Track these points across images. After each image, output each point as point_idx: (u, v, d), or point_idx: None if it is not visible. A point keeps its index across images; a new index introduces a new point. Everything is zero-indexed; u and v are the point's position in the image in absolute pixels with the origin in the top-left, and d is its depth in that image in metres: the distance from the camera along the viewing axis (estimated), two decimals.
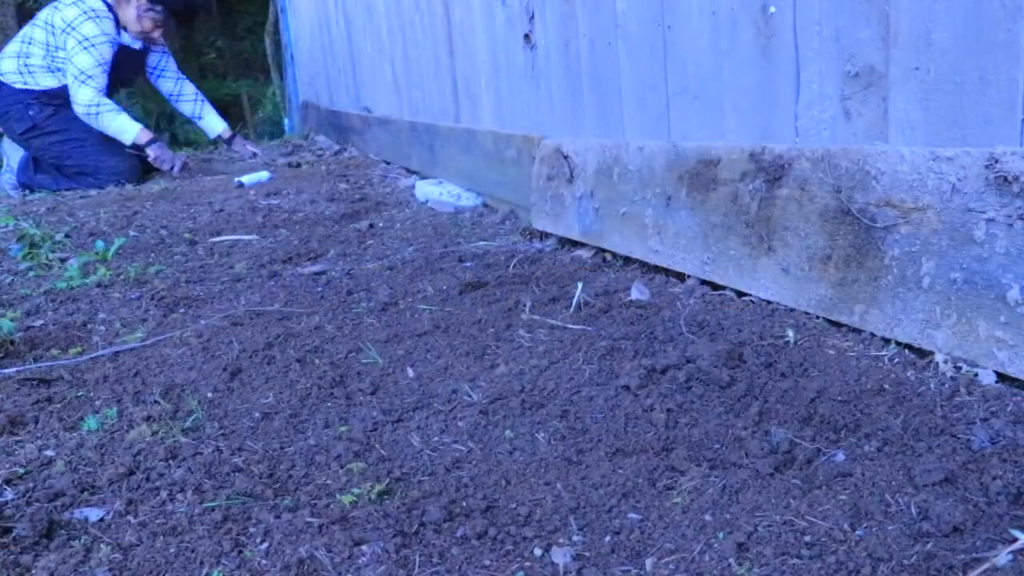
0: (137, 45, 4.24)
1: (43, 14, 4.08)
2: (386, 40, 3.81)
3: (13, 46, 4.08)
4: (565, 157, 2.05)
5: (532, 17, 2.25)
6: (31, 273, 2.28)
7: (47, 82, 4.03)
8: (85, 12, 3.95)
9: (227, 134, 4.59)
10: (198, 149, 6.00)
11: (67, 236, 2.70)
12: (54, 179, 4.05)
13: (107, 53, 4.00)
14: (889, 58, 1.23)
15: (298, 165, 4.23)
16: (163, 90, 4.54)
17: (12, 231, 2.78)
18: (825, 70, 1.34)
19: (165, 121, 7.93)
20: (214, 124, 4.60)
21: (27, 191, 4.05)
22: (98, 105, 3.96)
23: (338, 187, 3.38)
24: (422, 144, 3.27)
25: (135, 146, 4.05)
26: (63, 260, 2.39)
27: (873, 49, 1.25)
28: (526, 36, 2.31)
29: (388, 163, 3.87)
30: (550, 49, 2.19)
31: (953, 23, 1.13)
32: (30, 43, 4.04)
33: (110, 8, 4.05)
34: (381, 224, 2.63)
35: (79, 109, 3.96)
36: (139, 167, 4.11)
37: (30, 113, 4.00)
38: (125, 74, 4.32)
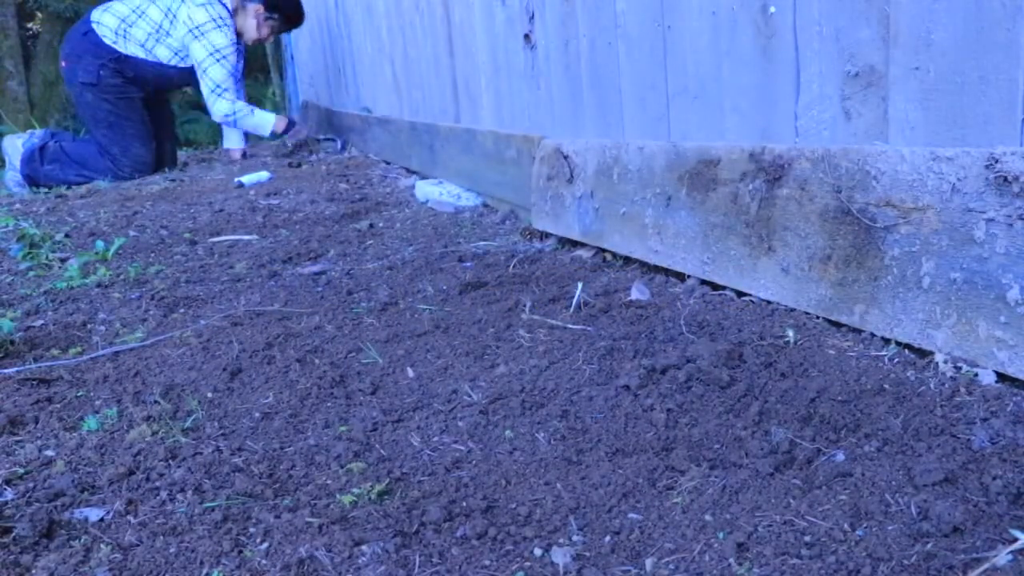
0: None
1: (167, 0, 4.15)
2: (386, 40, 3.81)
3: (123, 8, 4.14)
4: (565, 157, 2.05)
5: (532, 17, 2.25)
6: (31, 273, 2.28)
7: (133, 50, 4.10)
8: (214, 20, 4.09)
9: (237, 153, 4.65)
10: (198, 149, 6.00)
11: (67, 236, 2.70)
12: (62, 168, 4.07)
13: (236, 61, 4.19)
14: (889, 58, 1.23)
15: (298, 165, 4.23)
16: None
17: (12, 231, 2.78)
18: (825, 70, 1.34)
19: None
20: (233, 140, 4.68)
21: (33, 186, 4.06)
22: (235, 113, 4.19)
23: (338, 187, 3.38)
24: (422, 144, 3.27)
25: (274, 134, 4.35)
26: (63, 260, 2.39)
27: (873, 49, 1.25)
28: (526, 36, 2.31)
29: (388, 163, 3.87)
30: (550, 49, 2.19)
31: (953, 23, 1.13)
32: (140, 16, 4.11)
33: (231, 16, 4.20)
34: (381, 224, 2.64)
35: (217, 118, 4.23)
36: (154, 161, 4.28)
37: (100, 73, 4.09)
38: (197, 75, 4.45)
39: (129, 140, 4.15)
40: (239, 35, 4.28)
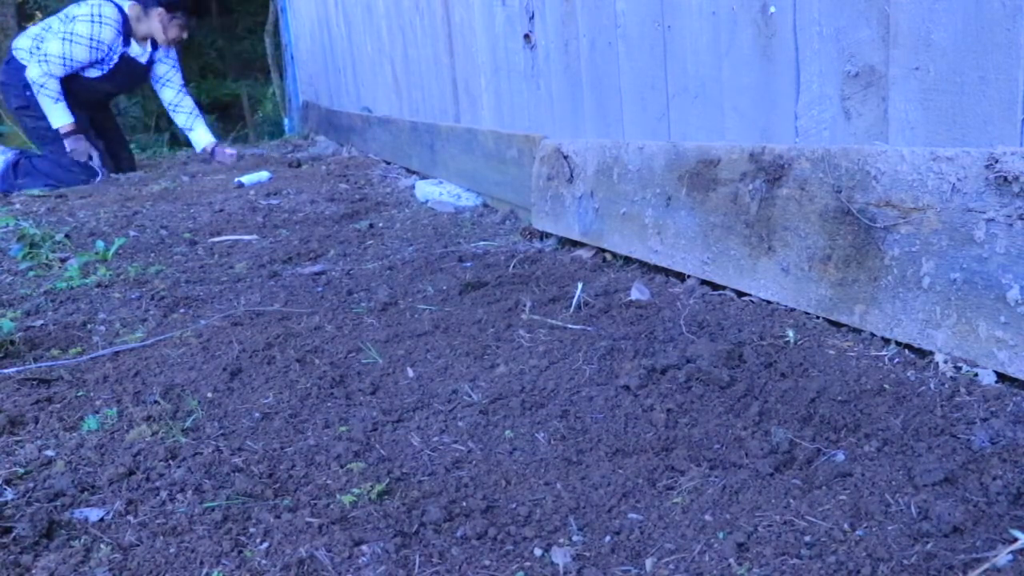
0: (144, 59, 4.43)
1: (70, 8, 4.25)
2: (386, 40, 3.81)
3: (34, 28, 4.27)
4: (565, 157, 2.05)
5: (532, 17, 2.25)
6: (31, 273, 2.28)
7: None
8: (91, 15, 4.15)
9: (211, 147, 4.74)
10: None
11: (67, 236, 2.70)
12: (33, 180, 4.13)
13: (80, 55, 4.17)
14: (889, 58, 1.23)
15: (298, 165, 4.23)
16: (164, 98, 4.72)
17: (12, 231, 2.78)
18: (825, 70, 1.34)
19: (165, 121, 7.92)
20: (201, 138, 4.77)
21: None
22: (43, 86, 4.12)
23: (338, 187, 3.38)
24: (422, 144, 3.27)
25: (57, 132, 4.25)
26: (63, 260, 2.39)
27: (873, 49, 1.25)
28: (526, 36, 2.31)
29: (388, 163, 3.87)
30: (550, 49, 2.19)
31: (953, 23, 1.13)
32: (48, 29, 4.21)
33: (124, 19, 4.23)
34: (381, 224, 2.63)
35: (28, 76, 4.15)
36: (110, 167, 4.39)
37: (27, 94, 4.18)
38: (124, 84, 4.55)
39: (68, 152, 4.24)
40: (145, 39, 4.33)
